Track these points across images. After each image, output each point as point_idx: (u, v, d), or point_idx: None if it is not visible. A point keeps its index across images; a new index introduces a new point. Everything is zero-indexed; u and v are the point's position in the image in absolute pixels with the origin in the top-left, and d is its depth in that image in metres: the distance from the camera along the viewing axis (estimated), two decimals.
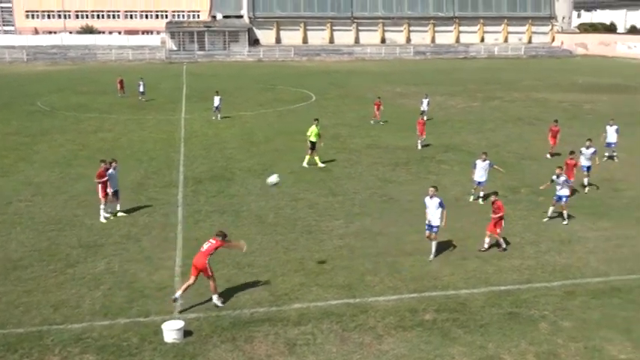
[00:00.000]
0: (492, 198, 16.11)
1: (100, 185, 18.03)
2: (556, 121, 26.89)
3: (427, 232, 15.50)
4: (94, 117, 36.74)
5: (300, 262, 15.07)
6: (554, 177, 18.01)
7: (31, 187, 21.65)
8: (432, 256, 15.26)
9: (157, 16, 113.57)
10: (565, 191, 17.89)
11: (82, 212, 18.75)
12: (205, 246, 12.83)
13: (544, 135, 30.73)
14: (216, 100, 35.47)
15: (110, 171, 18.27)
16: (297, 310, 12.66)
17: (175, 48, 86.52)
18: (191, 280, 12.67)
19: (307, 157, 24.61)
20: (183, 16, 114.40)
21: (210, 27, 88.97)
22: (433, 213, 15.24)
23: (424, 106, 35.29)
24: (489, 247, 15.86)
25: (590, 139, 21.80)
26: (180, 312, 12.52)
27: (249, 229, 17.32)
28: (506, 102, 43.25)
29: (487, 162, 19.76)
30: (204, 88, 50.65)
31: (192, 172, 23.75)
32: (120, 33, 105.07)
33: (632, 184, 22.02)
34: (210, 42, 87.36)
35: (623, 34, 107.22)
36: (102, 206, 18.01)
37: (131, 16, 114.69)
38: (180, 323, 11.61)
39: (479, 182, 19.83)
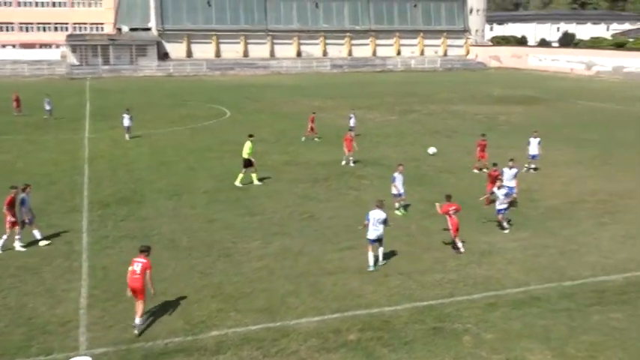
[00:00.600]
0: (445, 201, 17.58)
1: (8, 213, 17.06)
2: (483, 134, 27.65)
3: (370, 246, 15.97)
4: None
5: (217, 286, 14.84)
6: (495, 189, 19.09)
7: None
8: (371, 268, 15.78)
9: (55, 29, 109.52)
10: (503, 204, 18.81)
11: None
12: (137, 267, 12.67)
13: (462, 147, 31.96)
14: (126, 119, 34.46)
15: (23, 196, 17.30)
16: (214, 337, 12.43)
17: (77, 63, 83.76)
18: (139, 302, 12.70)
19: (240, 176, 24.36)
20: (85, 28, 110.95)
21: (115, 40, 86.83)
22: (377, 228, 15.82)
23: (352, 123, 35.10)
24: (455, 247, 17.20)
25: (512, 159, 21.90)
26: (87, 347, 11.99)
27: (162, 253, 16.88)
28: (423, 115, 44.66)
29: (403, 174, 20.70)
30: (110, 105, 49.29)
31: (98, 195, 22.96)
32: (14, 46, 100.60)
33: (548, 195, 23.20)
34: (115, 56, 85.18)
35: (533, 46, 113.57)
36: (17, 236, 17.16)
37: (27, 29, 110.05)
38: None
39: (398, 194, 20.63)
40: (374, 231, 15.92)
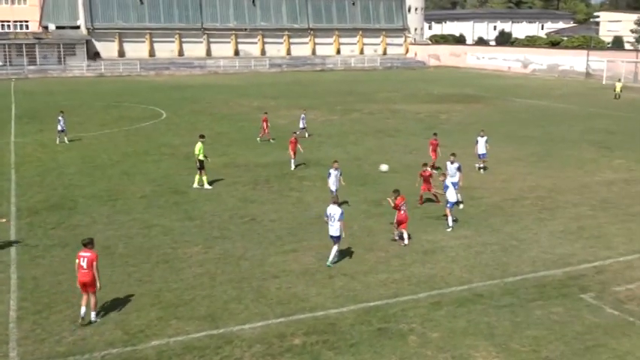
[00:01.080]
0: (393, 196, 18.01)
1: None
2: (435, 134, 27.96)
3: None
4: None
5: (156, 294, 14.58)
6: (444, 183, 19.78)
7: None
8: (330, 261, 16.33)
9: None
10: (452, 197, 19.46)
11: None
12: (84, 262, 13.07)
13: (404, 147, 32.49)
14: (61, 122, 33.22)
15: None
16: (155, 347, 12.21)
17: (1, 63, 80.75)
18: (85, 296, 13.16)
19: (197, 177, 24.26)
20: (8, 26, 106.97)
21: (41, 39, 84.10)
22: (333, 224, 16.15)
23: (302, 124, 35.11)
24: (398, 239, 18.01)
25: (454, 154, 22.34)
26: None
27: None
28: (365, 114, 45.13)
29: (338, 171, 21.21)
30: (37, 108, 47.76)
31: (26, 202, 22.19)
32: None
33: (489, 192, 23.84)
34: (42, 55, 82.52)
35: (471, 45, 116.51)
36: None
37: None
38: None
39: (332, 190, 21.16)
40: (330, 227, 16.27)
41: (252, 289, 14.93)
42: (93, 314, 13.18)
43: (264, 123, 33.96)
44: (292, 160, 27.49)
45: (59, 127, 33.28)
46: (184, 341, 12.44)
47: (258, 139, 33.94)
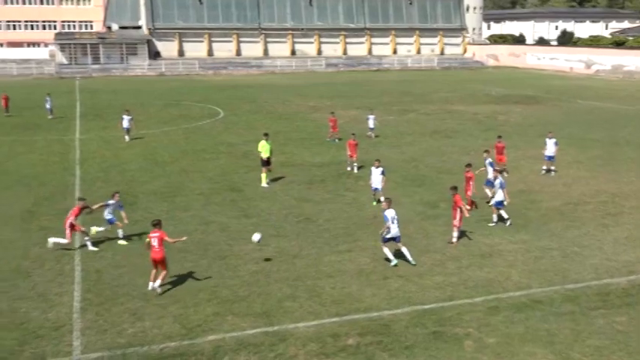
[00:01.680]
0: (451, 192, 18.02)
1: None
2: (499, 136, 26.89)
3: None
4: None
5: (213, 290, 14.82)
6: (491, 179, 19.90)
7: None
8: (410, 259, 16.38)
9: (44, 27, 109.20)
10: (499, 195, 19.42)
11: None
12: (155, 242, 14.47)
13: (461, 148, 32.05)
14: (125, 120, 33.99)
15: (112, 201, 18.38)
16: (211, 342, 12.42)
17: (66, 62, 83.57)
18: (154, 271, 14.61)
19: (263, 176, 24.59)
20: (74, 26, 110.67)
21: (105, 39, 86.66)
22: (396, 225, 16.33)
23: (371, 124, 34.77)
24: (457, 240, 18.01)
25: (487, 150, 22.99)
26: (82, 352, 11.97)
27: None
28: (421, 115, 44.73)
29: (380, 169, 21.62)
30: (100, 105, 49.24)
31: (89, 197, 22.79)
32: (1, 45, 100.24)
33: (549, 196, 23.27)
34: (105, 55, 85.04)
35: (531, 45, 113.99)
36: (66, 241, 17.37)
37: (14, 27, 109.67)
38: None
39: (375, 188, 21.69)
40: (395, 228, 16.37)
41: (306, 287, 15.01)
42: (158, 282, 14.48)
43: (332, 123, 34.01)
44: (353, 164, 26.70)
45: (125, 125, 33.98)
46: (240, 337, 12.61)
47: (328, 139, 33.95)
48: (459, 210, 17.91)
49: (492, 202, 20.07)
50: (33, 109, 44.65)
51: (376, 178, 21.62)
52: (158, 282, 14.50)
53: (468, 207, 19.85)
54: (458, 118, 43.11)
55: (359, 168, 26.80)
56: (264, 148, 24.67)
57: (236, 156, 30.13)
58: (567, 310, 13.90)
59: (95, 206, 18.46)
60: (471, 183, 20.80)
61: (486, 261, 16.78)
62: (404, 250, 16.49)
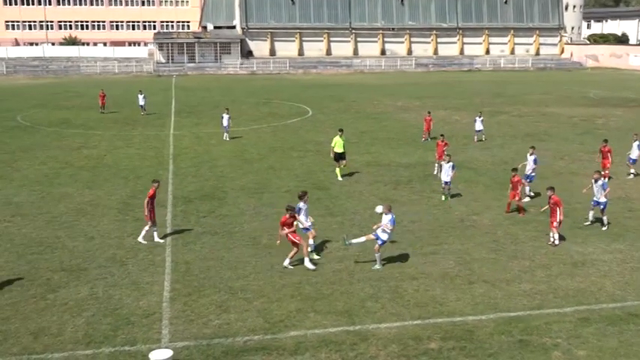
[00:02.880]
0: (549, 193, 17.84)
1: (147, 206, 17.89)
2: (605, 140, 25.75)
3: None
4: (77, 133, 36.80)
5: (296, 286, 15.02)
6: (593, 181, 19.40)
7: (10, 207, 21.59)
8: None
9: (144, 27, 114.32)
10: (602, 198, 19.16)
11: (64, 234, 18.70)
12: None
13: (555, 152, 30.95)
14: (225, 119, 34.64)
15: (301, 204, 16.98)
16: (293, 338, 12.59)
17: (164, 60, 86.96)
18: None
19: (338, 170, 25.53)
20: (172, 26, 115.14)
21: (200, 38, 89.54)
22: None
23: (478, 125, 34.30)
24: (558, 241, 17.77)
25: (532, 147, 23.57)
26: (170, 340, 12.44)
27: (242, 251, 17.28)
28: (513, 117, 43.47)
29: (451, 163, 22.10)
30: (194, 103, 50.93)
31: (181, 191, 23.75)
32: (105, 44, 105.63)
33: None
34: (200, 54, 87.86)
35: (635, 45, 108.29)
36: (146, 227, 18.01)
37: (117, 27, 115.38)
38: (168, 352, 11.50)
39: (445, 182, 22.18)
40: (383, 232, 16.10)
41: (389, 288, 14.93)
42: (287, 260, 16.11)
43: (427, 123, 34.11)
44: (438, 164, 25.93)
45: (225, 124, 34.54)
46: (321, 334, 12.71)
47: (422, 139, 33.96)
48: (558, 211, 17.50)
49: (592, 202, 19.56)
50: (132, 105, 46.70)
51: (446, 172, 22.11)
52: (287, 260, 16.03)
53: (520, 214, 20.23)
54: (552, 120, 41.61)
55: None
56: (337, 144, 25.53)
57: (323, 154, 30.34)
58: None
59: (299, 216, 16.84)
60: (518, 188, 20.61)
61: (578, 270, 16.12)
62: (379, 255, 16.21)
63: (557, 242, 17.75)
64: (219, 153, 30.97)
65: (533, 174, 22.93)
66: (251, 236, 18.54)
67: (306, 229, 17.10)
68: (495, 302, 14.23)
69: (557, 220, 17.58)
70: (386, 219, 16.11)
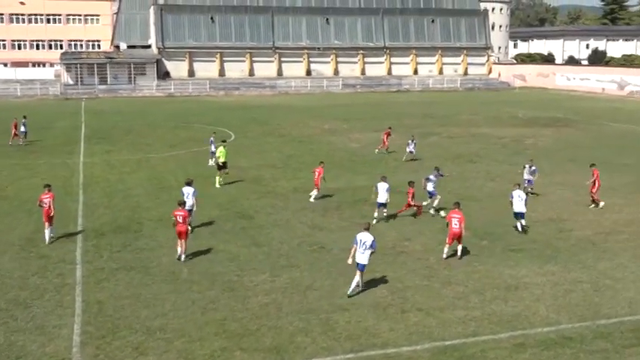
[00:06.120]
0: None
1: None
2: (593, 165, 26.26)
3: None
4: None
5: (220, 323, 14.79)
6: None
7: None
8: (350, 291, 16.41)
9: (50, 46, 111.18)
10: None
11: None
12: (180, 219, 18.90)
13: (485, 173, 31.94)
14: (213, 145, 33.68)
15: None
16: None
17: (72, 82, 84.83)
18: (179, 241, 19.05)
19: (217, 178, 28.89)
20: (81, 45, 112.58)
21: (112, 58, 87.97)
22: (364, 253, 16.43)
23: (411, 148, 35.80)
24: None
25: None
26: None
27: (160, 287, 16.90)
28: (444, 138, 44.71)
29: (386, 185, 23.26)
30: (106, 128, 49.80)
31: (92, 223, 23.08)
32: (6, 65, 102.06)
33: (579, 224, 23.05)
34: (113, 75, 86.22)
35: (561, 64, 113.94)
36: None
37: (19, 46, 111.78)
38: None
39: (380, 204, 23.16)
40: (360, 254, 16.32)
41: (320, 321, 14.93)
42: (183, 256, 18.83)
43: (386, 136, 37.79)
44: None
45: (212, 149, 33.51)
46: None
47: (376, 150, 37.60)
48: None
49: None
50: (37, 131, 45.16)
51: (383, 194, 23.05)
52: (183, 256, 18.97)
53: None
54: (483, 141, 43.04)
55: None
56: (222, 154, 29.17)
57: (246, 181, 30.25)
58: (599, 347, 13.69)
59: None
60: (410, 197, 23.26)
61: (512, 294, 16.61)
62: (356, 277, 16.51)
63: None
64: (134, 181, 30.34)
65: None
66: (169, 270, 18.18)
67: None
68: (430, 331, 14.46)
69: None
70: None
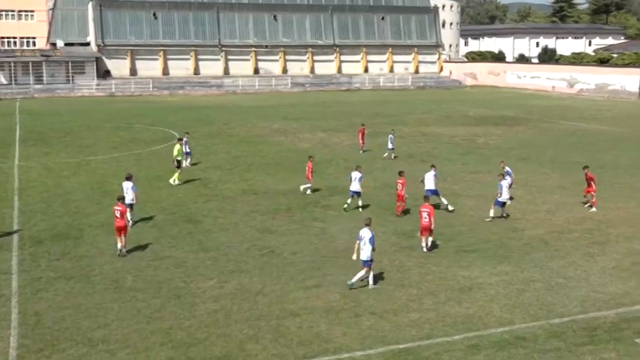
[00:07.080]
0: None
1: None
2: (586, 167, 26.40)
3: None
4: None
5: (166, 332, 14.61)
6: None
7: None
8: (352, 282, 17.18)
9: None
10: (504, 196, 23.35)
11: None
12: (118, 214, 19.53)
13: (438, 173, 32.31)
14: (186, 145, 33.44)
15: None
16: None
17: (5, 82, 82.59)
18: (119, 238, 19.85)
19: (175, 175, 29.53)
20: (14, 43, 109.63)
21: (49, 56, 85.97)
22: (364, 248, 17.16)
23: (390, 144, 37.03)
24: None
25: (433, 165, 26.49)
26: None
27: (103, 296, 16.60)
28: (395, 137, 45.05)
29: (360, 174, 24.94)
30: (43, 129, 48.67)
31: (29, 230, 22.51)
32: None
33: (531, 224, 23.59)
34: (49, 74, 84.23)
35: (511, 62, 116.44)
36: None
37: None
38: None
39: (353, 192, 24.95)
40: (361, 251, 17.09)
41: (270, 327, 14.89)
42: (124, 250, 19.51)
43: (361, 135, 38.50)
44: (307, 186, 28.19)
45: (186, 150, 33.47)
46: None
47: (361, 151, 38.16)
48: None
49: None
50: None
51: (355, 184, 24.75)
52: (124, 250, 19.58)
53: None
54: (434, 141, 43.65)
55: (314, 191, 28.01)
56: (179, 151, 30.32)
57: (193, 184, 29.97)
58: (553, 346, 14.02)
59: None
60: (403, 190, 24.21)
61: (465, 295, 16.88)
62: (361, 272, 17.17)
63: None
64: (73, 186, 29.71)
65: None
66: (112, 279, 17.87)
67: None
68: (383, 335, 14.57)
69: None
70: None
